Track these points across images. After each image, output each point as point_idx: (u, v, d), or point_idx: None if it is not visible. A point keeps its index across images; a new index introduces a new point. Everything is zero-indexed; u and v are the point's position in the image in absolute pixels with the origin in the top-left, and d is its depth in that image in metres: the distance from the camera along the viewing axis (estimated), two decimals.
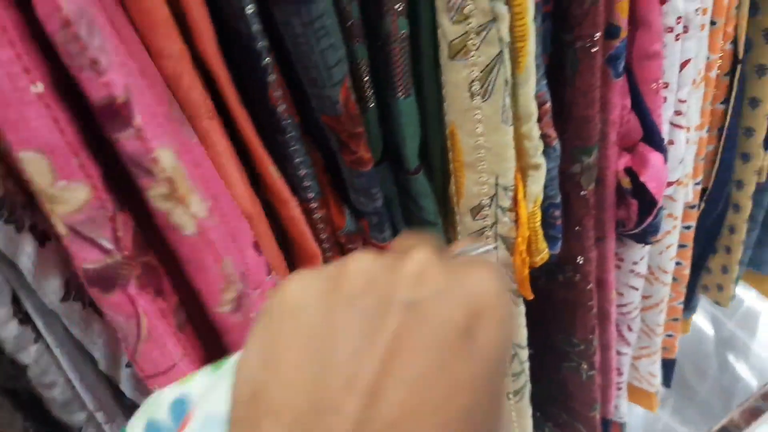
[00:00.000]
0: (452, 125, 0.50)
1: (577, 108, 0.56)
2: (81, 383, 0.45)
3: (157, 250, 0.42)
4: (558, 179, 0.56)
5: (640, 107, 0.58)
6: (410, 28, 0.46)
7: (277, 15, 0.40)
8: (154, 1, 0.38)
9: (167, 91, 0.39)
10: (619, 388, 0.95)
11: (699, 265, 1.05)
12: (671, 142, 0.66)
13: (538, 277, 0.67)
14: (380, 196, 0.51)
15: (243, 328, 0.44)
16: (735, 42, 0.68)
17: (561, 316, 0.74)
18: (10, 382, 0.45)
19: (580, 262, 0.65)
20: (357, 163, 0.49)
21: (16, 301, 0.42)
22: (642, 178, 0.60)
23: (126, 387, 0.48)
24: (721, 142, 0.76)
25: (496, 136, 0.49)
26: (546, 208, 0.57)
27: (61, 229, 0.35)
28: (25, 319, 0.42)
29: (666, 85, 0.59)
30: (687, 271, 0.94)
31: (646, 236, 0.69)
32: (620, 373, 0.95)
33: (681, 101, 0.62)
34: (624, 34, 0.53)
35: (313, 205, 0.51)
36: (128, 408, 0.51)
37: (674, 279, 0.94)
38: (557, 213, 0.57)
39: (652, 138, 0.59)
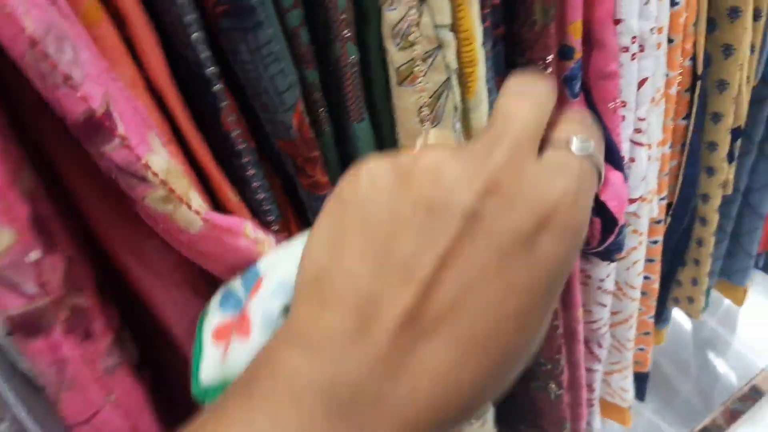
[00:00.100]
0: (405, 150, 0.50)
1: None
2: (29, 416, 0.44)
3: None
4: None
5: (600, 126, 0.58)
6: (362, 54, 0.46)
7: (224, 42, 0.40)
8: (105, 29, 0.37)
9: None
10: (591, 405, 0.95)
11: (669, 279, 1.06)
12: (633, 160, 0.66)
13: None
14: None
15: None
16: (694, 58, 0.69)
17: None
18: None
19: None
20: (314, 187, 0.48)
21: None
22: (602, 197, 0.60)
23: None
24: (684, 158, 0.76)
25: None
26: None
27: None
28: None
29: (624, 104, 0.60)
30: (656, 285, 0.95)
31: (610, 254, 0.69)
32: (592, 390, 0.95)
33: (640, 119, 0.63)
34: (578, 55, 0.53)
35: (274, 227, 0.50)
36: None
37: (644, 293, 0.95)
38: None
39: (612, 157, 0.59)
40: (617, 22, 0.55)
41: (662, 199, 0.79)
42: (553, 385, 0.78)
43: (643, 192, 0.71)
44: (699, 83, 0.70)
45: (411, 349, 0.25)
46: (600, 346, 0.89)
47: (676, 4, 0.61)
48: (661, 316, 1.15)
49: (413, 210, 0.26)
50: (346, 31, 0.43)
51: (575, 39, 0.53)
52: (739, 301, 1.27)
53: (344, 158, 0.50)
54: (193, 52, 0.40)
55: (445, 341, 0.25)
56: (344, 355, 0.25)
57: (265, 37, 0.40)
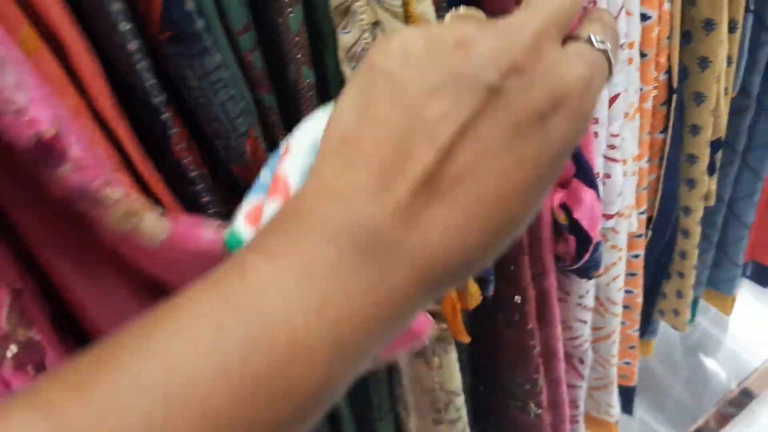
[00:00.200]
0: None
1: None
2: None
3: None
4: None
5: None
6: (321, 75, 0.45)
7: (171, 68, 0.39)
8: (44, 57, 0.36)
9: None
10: (576, 421, 0.93)
11: (653, 292, 1.05)
12: (608, 176, 0.65)
13: (480, 315, 0.66)
14: None
15: None
16: (670, 71, 0.67)
17: (505, 355, 0.72)
18: None
19: (518, 302, 0.64)
20: None
21: None
22: (575, 215, 0.59)
23: None
24: (662, 171, 0.75)
25: None
26: None
27: None
28: None
29: (596, 121, 0.58)
30: (639, 299, 0.93)
31: (588, 271, 0.68)
32: (576, 406, 0.93)
33: (614, 135, 0.62)
34: None
35: None
36: None
37: (627, 307, 0.93)
38: None
39: (585, 175, 0.58)
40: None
41: (641, 213, 0.78)
42: (533, 405, 0.77)
43: (620, 207, 0.69)
44: (675, 96, 0.68)
45: (426, 207, 0.28)
46: (582, 362, 0.87)
47: (648, 18, 0.60)
48: (648, 328, 1.14)
49: (442, 81, 0.28)
50: (300, 55, 0.42)
51: None
52: (727, 311, 1.26)
53: None
54: (139, 80, 0.38)
55: (457, 203, 0.28)
56: (368, 206, 0.28)
57: (212, 63, 0.39)
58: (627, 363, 1.06)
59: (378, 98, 0.29)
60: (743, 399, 1.47)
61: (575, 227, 0.61)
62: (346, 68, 0.43)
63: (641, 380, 1.14)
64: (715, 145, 0.80)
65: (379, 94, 0.29)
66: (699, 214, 0.89)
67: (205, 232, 0.39)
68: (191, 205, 0.45)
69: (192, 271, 0.40)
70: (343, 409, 0.67)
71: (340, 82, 0.45)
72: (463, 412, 0.67)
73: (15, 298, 0.38)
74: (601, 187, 0.66)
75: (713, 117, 0.75)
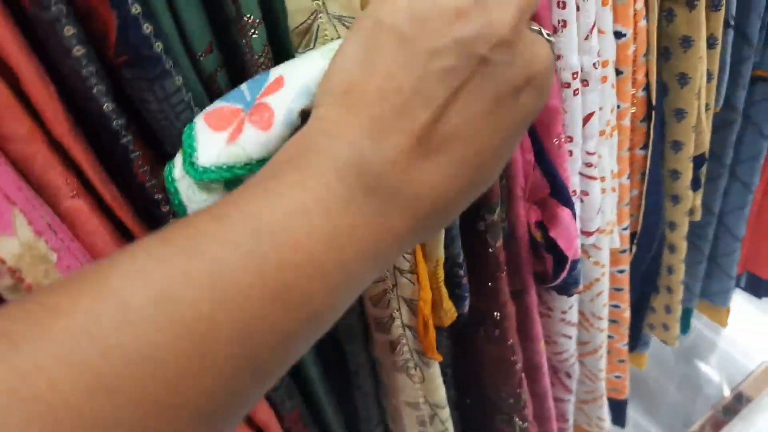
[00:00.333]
0: None
1: None
2: None
3: None
4: (460, 238, 0.55)
5: (545, 163, 0.57)
6: None
7: (130, 91, 0.39)
8: None
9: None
10: None
11: (642, 306, 1.04)
12: (585, 194, 0.65)
13: (463, 330, 0.66)
14: None
15: None
16: (648, 88, 0.67)
17: (488, 369, 0.72)
18: None
19: (498, 318, 0.64)
20: None
21: None
22: (551, 234, 0.59)
23: None
24: (644, 187, 0.75)
25: None
26: (450, 267, 0.56)
27: None
28: None
29: (570, 139, 0.58)
30: (627, 314, 0.93)
31: (568, 289, 0.68)
32: (565, 420, 0.93)
33: (590, 153, 0.61)
34: None
35: None
36: None
37: (615, 321, 0.93)
38: (461, 272, 0.56)
39: (560, 194, 0.58)
40: (557, 58, 0.54)
41: (624, 229, 0.77)
42: (517, 419, 0.76)
43: (601, 224, 0.69)
44: (654, 113, 0.68)
45: (420, 161, 0.31)
46: (569, 376, 0.87)
47: (623, 36, 0.60)
48: (639, 341, 1.14)
49: (445, 45, 0.31)
50: None
51: None
52: (722, 322, 1.25)
53: None
54: (97, 105, 0.38)
55: (445, 161, 0.32)
56: (372, 151, 0.31)
57: (172, 86, 0.39)
58: (617, 377, 1.05)
59: (384, 52, 0.32)
60: (738, 404, 1.46)
61: (551, 246, 0.61)
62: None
63: (634, 384, 1.13)
64: (698, 160, 0.80)
65: (385, 47, 0.32)
66: (684, 229, 0.88)
67: None
68: (156, 227, 0.45)
69: None
70: (334, 423, 0.67)
71: None
72: (449, 425, 0.67)
73: None
74: (579, 205, 0.66)
75: (695, 133, 0.75)
